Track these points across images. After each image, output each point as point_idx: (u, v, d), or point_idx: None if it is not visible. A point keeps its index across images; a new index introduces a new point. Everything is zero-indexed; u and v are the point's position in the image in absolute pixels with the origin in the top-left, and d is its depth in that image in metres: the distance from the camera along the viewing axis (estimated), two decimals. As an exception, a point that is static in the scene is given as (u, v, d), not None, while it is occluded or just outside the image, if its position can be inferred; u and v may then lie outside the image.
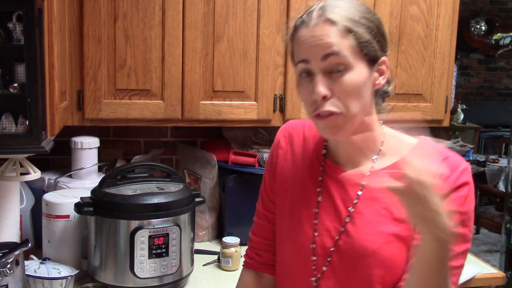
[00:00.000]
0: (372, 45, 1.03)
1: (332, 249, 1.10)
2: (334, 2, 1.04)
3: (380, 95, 1.12)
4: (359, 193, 1.09)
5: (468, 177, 1.05)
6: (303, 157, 1.20)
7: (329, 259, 1.10)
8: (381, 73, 1.06)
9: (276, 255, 1.24)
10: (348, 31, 1.00)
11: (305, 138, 1.21)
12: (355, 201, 1.09)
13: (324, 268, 1.11)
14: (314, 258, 1.12)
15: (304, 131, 1.22)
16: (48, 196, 1.72)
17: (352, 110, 1.01)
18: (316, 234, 1.12)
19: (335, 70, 1.00)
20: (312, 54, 1.01)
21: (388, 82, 1.11)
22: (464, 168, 1.05)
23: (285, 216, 1.20)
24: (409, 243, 1.04)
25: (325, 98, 1.00)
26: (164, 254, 1.60)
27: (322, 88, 1.00)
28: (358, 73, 1.01)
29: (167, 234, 1.60)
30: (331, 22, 1.00)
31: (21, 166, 1.51)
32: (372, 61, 1.04)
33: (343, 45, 1.00)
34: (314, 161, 1.17)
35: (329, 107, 1.00)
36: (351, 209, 1.09)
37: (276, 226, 1.24)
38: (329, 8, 1.02)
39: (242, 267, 1.34)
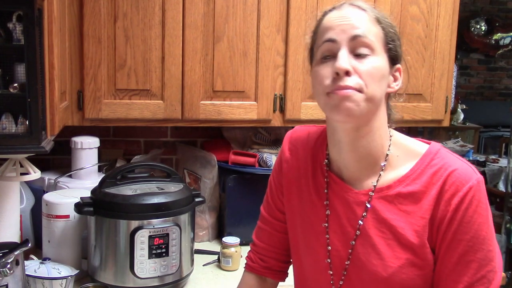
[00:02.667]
0: (396, 44, 1.04)
1: (347, 263, 1.09)
2: (360, 2, 1.06)
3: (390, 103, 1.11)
4: (364, 214, 1.06)
5: (478, 194, 0.99)
6: (307, 169, 1.17)
7: (345, 273, 1.10)
8: (395, 79, 1.06)
9: (294, 268, 1.25)
10: (378, 21, 1.02)
11: (309, 149, 1.19)
12: (361, 222, 1.06)
13: (341, 283, 1.11)
14: (331, 272, 1.12)
15: (308, 141, 1.20)
16: (48, 196, 1.72)
17: (371, 90, 0.98)
18: (329, 248, 1.11)
19: (360, 52, 0.99)
20: (341, 33, 1.00)
21: (399, 94, 1.11)
22: (471, 186, 0.99)
23: (297, 231, 1.19)
24: (420, 266, 1.02)
25: (347, 74, 0.97)
26: (164, 254, 1.60)
27: (346, 62, 0.97)
28: (382, 61, 1.01)
29: (167, 234, 1.60)
30: (362, 9, 1.02)
31: (21, 166, 1.51)
32: (392, 60, 1.04)
33: (372, 31, 1.00)
34: (318, 173, 1.15)
35: (349, 82, 0.97)
36: (358, 226, 1.07)
37: (290, 239, 1.23)
38: (358, 2, 1.04)
39: (243, 269, 1.34)
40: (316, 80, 1.03)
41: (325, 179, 1.13)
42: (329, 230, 1.11)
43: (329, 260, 1.11)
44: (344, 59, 0.97)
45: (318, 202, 1.14)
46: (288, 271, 1.32)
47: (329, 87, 0.99)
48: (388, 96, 1.08)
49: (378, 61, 1.00)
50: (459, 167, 1.01)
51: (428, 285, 1.04)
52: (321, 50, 1.02)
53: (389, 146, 1.07)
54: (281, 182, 1.23)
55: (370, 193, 1.06)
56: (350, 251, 1.08)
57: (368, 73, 0.98)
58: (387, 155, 1.07)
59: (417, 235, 1.01)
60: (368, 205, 1.06)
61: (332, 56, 1.00)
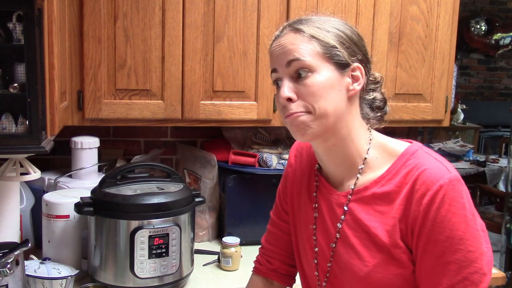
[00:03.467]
0: (338, 51, 1.04)
1: (328, 265, 1.12)
2: (310, 17, 1.08)
3: (371, 106, 1.12)
4: (342, 217, 1.09)
5: (450, 192, 0.96)
6: (306, 173, 1.22)
7: (328, 275, 1.13)
8: (355, 80, 1.06)
9: (298, 269, 1.27)
10: (312, 37, 1.04)
11: (310, 154, 1.23)
12: (340, 222, 1.09)
13: (324, 284, 1.14)
14: (317, 273, 1.16)
15: (311, 147, 1.22)
16: (48, 196, 1.72)
17: (318, 109, 1.02)
18: (316, 249, 1.15)
19: (299, 74, 1.02)
20: (279, 62, 1.06)
21: (384, 100, 1.12)
22: (441, 185, 0.96)
23: (294, 232, 1.24)
24: (396, 265, 1.02)
25: (290, 100, 1.03)
26: (164, 254, 1.60)
27: (286, 91, 1.03)
28: (323, 75, 1.03)
29: (167, 234, 1.60)
30: (297, 30, 1.05)
31: (21, 166, 1.51)
32: (340, 65, 1.04)
33: (306, 50, 1.02)
34: (311, 176, 1.19)
35: (294, 108, 1.03)
36: (339, 226, 1.10)
37: (292, 241, 1.26)
38: (299, 21, 1.07)
39: (251, 272, 1.35)
40: (277, 106, 1.10)
41: (315, 183, 1.17)
42: (316, 232, 1.15)
43: (316, 261, 1.15)
44: (284, 89, 1.03)
45: (309, 205, 1.18)
46: (295, 277, 1.34)
47: (282, 116, 1.06)
48: (361, 97, 1.10)
49: (319, 76, 1.02)
50: (431, 167, 1.00)
51: (411, 285, 1.03)
52: (272, 78, 1.10)
53: (368, 149, 1.09)
54: (286, 185, 1.27)
55: (349, 195, 1.08)
56: (331, 253, 1.11)
57: (310, 93, 1.02)
58: (365, 158, 1.08)
59: (388, 234, 1.02)
60: (346, 208, 1.09)
61: (279, 85, 1.06)
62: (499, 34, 6.52)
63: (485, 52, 6.77)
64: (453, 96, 2.44)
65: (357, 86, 1.06)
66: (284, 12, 1.94)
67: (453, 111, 5.38)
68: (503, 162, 4.81)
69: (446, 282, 0.97)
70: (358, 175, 1.08)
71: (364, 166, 1.08)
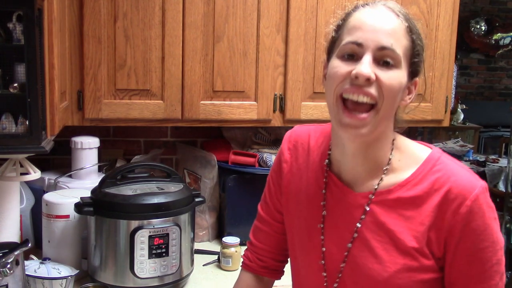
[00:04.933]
0: (420, 59, 1.01)
1: (342, 265, 1.07)
2: (394, 3, 1.01)
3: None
4: (363, 217, 1.04)
5: (486, 200, 0.98)
6: (307, 169, 1.16)
7: (340, 275, 1.08)
8: (409, 92, 1.04)
9: (291, 269, 1.24)
10: (410, 30, 0.98)
11: (309, 149, 1.17)
12: (359, 223, 1.05)
13: (336, 285, 1.09)
14: (325, 274, 1.11)
15: (309, 141, 1.18)
16: (48, 196, 1.72)
17: (385, 106, 0.96)
18: (324, 249, 1.10)
19: (387, 63, 0.96)
20: (370, 40, 0.95)
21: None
22: (477, 194, 0.97)
23: (294, 231, 1.18)
24: (417, 272, 1.01)
25: (368, 81, 0.94)
26: (164, 254, 1.60)
27: (369, 69, 0.94)
28: (402, 76, 0.98)
29: (167, 234, 1.60)
30: (397, 14, 0.98)
31: (21, 166, 1.51)
32: (412, 74, 1.02)
33: (401, 43, 0.97)
34: (318, 173, 1.13)
35: (368, 89, 0.94)
36: (356, 229, 1.05)
37: (288, 240, 1.22)
38: (392, 4, 1.00)
39: (240, 268, 1.34)
40: (332, 75, 0.99)
41: (324, 180, 1.11)
42: (325, 231, 1.10)
43: (323, 262, 1.10)
44: (367, 66, 0.94)
45: (315, 203, 1.12)
46: (284, 270, 1.32)
47: (343, 88, 0.96)
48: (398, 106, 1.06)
49: (401, 74, 0.97)
50: (461, 175, 1.00)
51: None
52: (344, 48, 0.98)
53: (392, 150, 1.06)
54: (280, 182, 1.22)
55: (370, 196, 1.04)
56: (346, 253, 1.06)
57: (389, 85, 0.95)
58: (389, 159, 1.05)
59: (416, 240, 1.00)
60: (367, 208, 1.04)
61: (354, 57, 0.97)
62: (499, 34, 6.52)
63: (485, 52, 6.77)
64: (453, 96, 2.44)
65: (409, 100, 1.04)
66: (284, 12, 1.94)
67: (453, 111, 5.38)
68: (503, 162, 4.80)
69: (493, 282, 0.99)
70: (383, 175, 1.04)
71: (387, 170, 1.05)
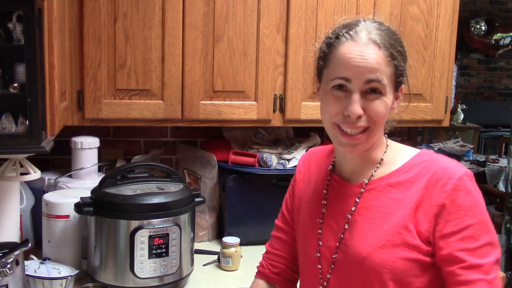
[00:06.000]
0: (404, 74, 1.08)
1: (334, 256, 1.12)
2: (374, 25, 1.06)
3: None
4: (357, 200, 1.12)
5: (471, 182, 1.04)
6: (316, 176, 1.25)
7: (332, 266, 1.13)
8: (396, 98, 1.11)
9: (299, 268, 1.28)
10: (392, 58, 1.04)
11: (321, 160, 1.26)
12: (353, 209, 1.12)
13: (329, 276, 1.13)
14: (320, 266, 1.15)
15: (321, 156, 1.27)
16: (48, 196, 1.72)
17: (377, 129, 1.07)
18: (320, 243, 1.16)
19: (372, 91, 1.04)
20: (356, 75, 1.02)
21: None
22: (462, 175, 1.04)
23: (299, 230, 1.25)
24: (404, 249, 1.04)
25: (358, 117, 1.04)
26: (164, 254, 1.60)
27: (359, 108, 1.03)
28: (389, 100, 1.06)
29: (167, 234, 1.60)
30: (379, 45, 1.03)
31: (21, 166, 1.51)
32: (397, 88, 1.09)
33: (385, 73, 1.04)
34: (324, 178, 1.22)
35: (360, 123, 1.04)
36: (349, 216, 1.12)
37: (297, 242, 1.27)
38: (373, 30, 1.05)
39: (254, 276, 1.35)
40: (325, 108, 1.09)
41: (327, 182, 1.19)
42: (323, 226, 1.16)
43: (318, 254, 1.16)
44: (357, 105, 1.03)
45: (318, 202, 1.20)
46: (296, 283, 1.34)
47: (339, 121, 1.06)
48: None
49: (387, 100, 1.05)
50: (447, 161, 1.08)
51: (416, 270, 1.04)
52: (333, 82, 1.05)
53: (385, 151, 1.15)
54: (294, 192, 1.30)
55: (364, 185, 1.13)
56: (337, 244, 1.12)
57: (378, 114, 1.05)
58: (382, 159, 1.14)
59: (401, 218, 1.05)
60: (358, 197, 1.12)
61: (343, 87, 1.04)
62: (499, 34, 6.52)
63: (485, 52, 6.76)
64: (453, 96, 2.45)
65: (396, 105, 1.11)
66: (284, 12, 1.94)
67: (453, 111, 5.38)
68: (503, 162, 4.80)
69: (486, 261, 1.00)
70: (377, 168, 1.13)
71: (380, 165, 1.14)
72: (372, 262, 1.05)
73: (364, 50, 1.02)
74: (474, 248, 1.00)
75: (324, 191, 1.19)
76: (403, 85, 1.11)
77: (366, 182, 1.12)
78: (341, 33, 1.06)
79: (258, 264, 1.36)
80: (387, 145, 1.16)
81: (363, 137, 1.06)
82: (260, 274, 1.33)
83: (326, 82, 1.08)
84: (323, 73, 1.10)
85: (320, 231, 1.16)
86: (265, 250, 1.36)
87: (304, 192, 1.26)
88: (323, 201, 1.18)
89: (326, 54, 1.08)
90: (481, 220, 1.02)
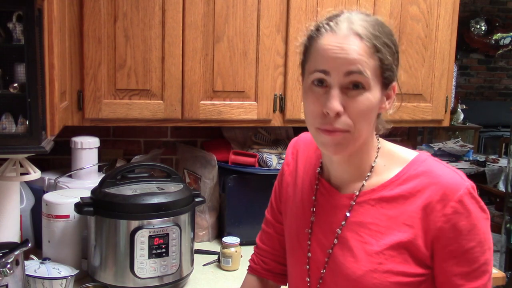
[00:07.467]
0: (392, 69, 1.00)
1: (322, 271, 1.08)
2: (359, 16, 0.99)
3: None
4: (347, 214, 1.05)
5: (472, 200, 0.97)
6: (303, 175, 1.18)
7: (320, 281, 1.09)
8: (388, 97, 1.03)
9: (287, 271, 1.24)
10: (376, 50, 0.96)
11: (308, 154, 1.19)
12: (343, 223, 1.05)
13: None
14: (308, 279, 1.11)
15: (309, 147, 1.20)
16: (48, 196, 1.72)
17: (359, 130, 0.98)
18: (309, 255, 1.11)
19: (355, 86, 0.96)
20: (335, 67, 0.95)
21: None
22: (461, 195, 0.97)
23: (288, 233, 1.20)
24: (398, 274, 0.99)
25: (337, 115, 0.95)
26: (164, 254, 1.60)
27: (337, 104, 0.95)
28: (374, 95, 0.97)
29: (167, 234, 1.60)
30: (360, 37, 0.95)
31: (21, 166, 1.51)
32: (386, 85, 1.01)
33: (368, 65, 0.95)
34: (312, 179, 1.15)
35: (339, 124, 0.96)
36: (338, 231, 1.05)
37: (285, 241, 1.23)
38: (356, 21, 0.97)
39: (246, 271, 1.34)
40: (306, 109, 1.01)
41: (316, 186, 1.13)
42: (312, 237, 1.11)
43: (307, 267, 1.11)
44: (335, 101, 0.94)
45: (306, 208, 1.14)
46: None
47: (318, 124, 0.98)
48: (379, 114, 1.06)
49: (371, 96, 0.97)
50: (446, 175, 0.99)
51: None
52: (312, 76, 0.98)
53: (376, 157, 1.07)
54: (282, 184, 1.25)
55: (355, 197, 1.05)
56: (326, 259, 1.07)
57: (359, 112, 0.96)
58: (372, 166, 1.06)
59: (395, 238, 0.99)
60: (348, 211, 1.05)
61: (324, 82, 0.97)
62: (499, 34, 6.52)
63: (485, 52, 6.77)
64: (453, 96, 2.45)
65: (388, 105, 1.04)
66: (284, 12, 1.94)
67: (453, 111, 5.38)
68: (503, 162, 4.81)
69: (481, 282, 0.98)
70: (364, 181, 1.05)
71: (370, 174, 1.06)
72: (364, 286, 1.00)
73: (344, 41, 0.94)
74: (470, 271, 0.97)
75: (313, 197, 1.12)
76: (394, 83, 1.02)
77: (357, 194, 1.04)
78: (321, 25, 0.98)
79: (250, 258, 1.34)
80: (378, 148, 1.07)
81: (344, 140, 0.97)
82: (252, 269, 1.32)
83: (307, 77, 1.00)
84: (305, 68, 1.02)
85: (309, 242, 1.10)
86: (249, 239, 1.33)
87: (291, 189, 1.20)
88: (312, 208, 1.12)
89: (307, 48, 1.01)
90: (480, 240, 0.97)
